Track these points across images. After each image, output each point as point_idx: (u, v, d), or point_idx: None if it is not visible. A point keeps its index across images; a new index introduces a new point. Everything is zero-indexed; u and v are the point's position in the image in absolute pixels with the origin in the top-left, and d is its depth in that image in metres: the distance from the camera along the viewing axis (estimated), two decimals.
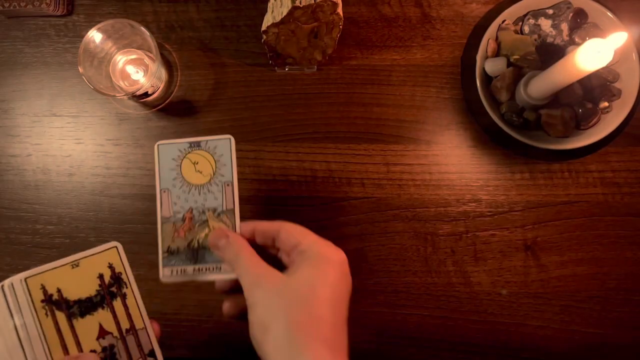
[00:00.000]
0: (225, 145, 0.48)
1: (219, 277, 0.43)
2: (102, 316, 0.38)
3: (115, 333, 0.38)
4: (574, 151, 0.56)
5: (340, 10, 0.50)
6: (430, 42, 0.60)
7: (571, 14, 0.56)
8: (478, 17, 0.60)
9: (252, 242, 0.42)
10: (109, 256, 0.39)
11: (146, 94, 0.58)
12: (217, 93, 0.60)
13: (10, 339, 0.35)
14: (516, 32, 0.57)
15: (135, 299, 0.39)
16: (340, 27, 0.53)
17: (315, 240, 0.39)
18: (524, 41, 0.56)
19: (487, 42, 0.56)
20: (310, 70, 0.60)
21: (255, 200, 0.58)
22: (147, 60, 0.59)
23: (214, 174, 0.48)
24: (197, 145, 0.48)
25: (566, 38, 0.56)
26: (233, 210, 0.46)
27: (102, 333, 0.37)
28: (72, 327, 0.37)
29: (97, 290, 0.38)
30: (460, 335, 0.57)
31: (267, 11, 0.52)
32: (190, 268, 0.46)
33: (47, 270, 0.37)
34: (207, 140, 0.48)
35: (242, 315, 0.41)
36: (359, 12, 0.60)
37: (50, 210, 0.60)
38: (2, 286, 0.35)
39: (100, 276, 0.38)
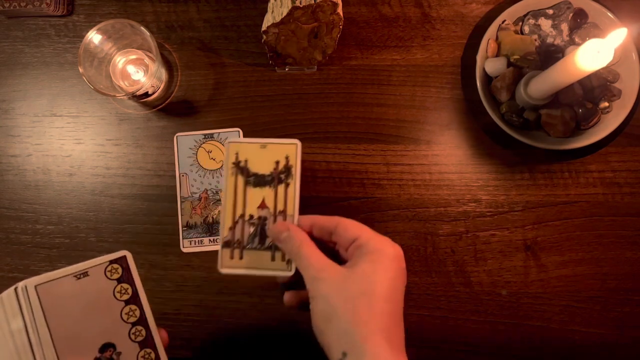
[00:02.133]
0: (234, 136, 0.58)
1: (277, 274, 0.44)
2: (267, 193, 0.45)
3: (271, 209, 0.45)
4: (574, 151, 0.56)
5: (340, 10, 0.50)
6: (430, 42, 0.60)
7: (571, 14, 0.56)
8: (478, 17, 0.60)
9: (310, 236, 0.43)
10: (288, 149, 0.46)
11: (146, 94, 0.58)
12: (217, 93, 0.60)
13: (21, 342, 0.35)
14: (516, 32, 0.57)
15: (295, 191, 0.44)
16: (340, 27, 0.53)
17: (373, 235, 0.40)
18: (524, 41, 0.56)
19: (487, 42, 0.56)
20: (310, 70, 0.60)
21: None
22: (147, 60, 0.59)
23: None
24: (211, 136, 0.58)
25: (566, 38, 0.56)
26: None
27: (263, 205, 0.45)
28: (244, 191, 0.45)
29: (271, 172, 0.45)
30: (460, 335, 0.57)
31: (267, 11, 0.52)
32: (206, 239, 0.55)
33: (244, 143, 0.45)
34: (219, 132, 0.58)
35: (302, 305, 0.44)
36: (359, 12, 0.60)
37: (51, 210, 0.60)
38: (16, 289, 0.35)
39: (277, 162, 0.45)
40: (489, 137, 0.59)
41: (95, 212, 0.60)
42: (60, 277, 0.36)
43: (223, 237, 0.44)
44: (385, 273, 0.38)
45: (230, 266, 0.43)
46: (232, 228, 0.45)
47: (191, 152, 0.59)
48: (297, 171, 0.44)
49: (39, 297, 0.35)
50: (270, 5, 0.52)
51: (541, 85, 0.52)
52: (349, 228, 0.41)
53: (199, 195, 0.59)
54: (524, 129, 0.56)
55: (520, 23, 0.57)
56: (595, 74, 0.52)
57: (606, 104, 0.56)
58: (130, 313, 0.39)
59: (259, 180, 0.45)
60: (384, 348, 0.36)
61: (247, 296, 0.58)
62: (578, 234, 0.58)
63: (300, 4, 0.48)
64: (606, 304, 0.57)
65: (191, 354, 0.58)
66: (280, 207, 0.45)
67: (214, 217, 0.58)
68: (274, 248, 0.44)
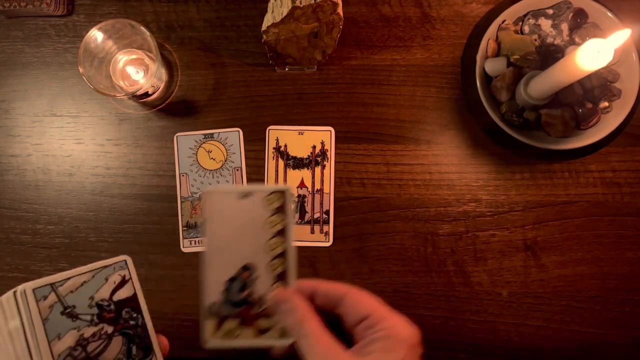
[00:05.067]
0: (234, 136, 0.58)
1: (275, 343, 0.39)
2: (305, 174, 0.51)
3: (309, 188, 0.51)
4: (574, 151, 0.56)
5: (340, 10, 0.50)
6: (430, 42, 0.60)
7: (571, 14, 0.56)
8: (478, 17, 0.60)
9: (312, 303, 0.38)
10: (323, 135, 0.52)
11: (146, 94, 0.58)
12: (217, 93, 0.60)
13: (20, 346, 0.35)
14: (516, 32, 0.57)
15: (330, 171, 0.49)
16: (340, 27, 0.53)
17: (387, 315, 0.35)
18: (524, 41, 0.56)
19: (487, 42, 0.56)
20: (310, 70, 0.60)
21: None
22: (147, 60, 0.59)
23: (225, 160, 0.56)
24: (211, 136, 0.57)
25: (566, 38, 0.56)
26: None
27: (301, 184, 0.51)
28: (285, 172, 0.51)
29: (308, 155, 0.52)
30: (460, 335, 0.57)
31: (267, 11, 0.52)
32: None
33: (285, 130, 0.52)
34: (219, 132, 0.57)
35: None
36: (359, 12, 0.60)
37: (51, 210, 0.60)
38: (15, 292, 0.35)
39: (314, 146, 0.52)
40: (489, 137, 0.59)
41: (95, 212, 0.60)
42: (227, 192, 0.38)
43: None
44: None
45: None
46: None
47: (191, 152, 0.59)
48: (332, 155, 0.47)
49: (55, 292, 0.35)
50: (270, 5, 0.52)
51: (541, 85, 0.52)
52: (359, 302, 0.36)
53: (199, 195, 0.59)
54: (524, 129, 0.56)
55: (520, 23, 0.57)
56: (595, 74, 0.52)
57: (606, 103, 0.56)
58: (276, 245, 0.38)
59: (298, 163, 0.51)
60: None
61: None
62: (578, 234, 0.58)
63: (300, 4, 0.48)
64: (606, 304, 0.57)
65: (191, 354, 0.58)
66: (317, 186, 0.50)
67: None
68: (312, 222, 0.45)
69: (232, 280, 0.38)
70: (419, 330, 0.35)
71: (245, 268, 0.38)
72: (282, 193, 0.38)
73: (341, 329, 0.36)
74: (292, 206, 0.39)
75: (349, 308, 0.36)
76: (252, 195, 0.38)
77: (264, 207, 0.38)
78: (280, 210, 0.38)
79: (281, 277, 0.38)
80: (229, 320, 0.38)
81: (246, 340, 0.38)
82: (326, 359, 0.34)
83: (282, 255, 0.38)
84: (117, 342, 0.38)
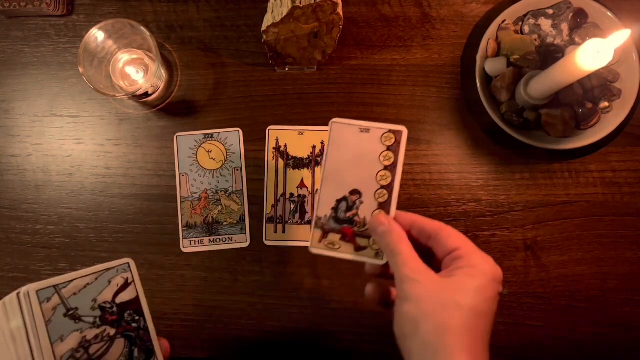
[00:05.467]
0: (234, 136, 0.58)
1: (369, 261, 0.43)
2: (305, 174, 0.51)
3: (310, 189, 0.51)
4: (574, 151, 0.56)
5: (340, 10, 0.50)
6: (430, 42, 0.60)
7: (571, 14, 0.56)
8: (478, 17, 0.60)
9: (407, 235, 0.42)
10: (323, 135, 0.52)
11: (146, 94, 0.58)
12: (217, 93, 0.60)
13: (22, 347, 0.35)
14: (516, 32, 0.57)
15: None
16: (340, 27, 0.53)
17: (475, 251, 0.38)
18: (524, 41, 0.56)
19: (487, 42, 0.56)
20: (310, 70, 0.60)
21: (255, 200, 0.58)
22: (147, 60, 0.59)
23: (225, 160, 0.57)
24: (211, 136, 0.58)
25: (566, 38, 0.56)
26: (242, 190, 0.55)
27: (301, 185, 0.51)
28: (285, 172, 0.51)
29: (308, 156, 0.51)
30: None
31: (267, 11, 0.52)
32: (206, 239, 0.56)
33: (285, 130, 0.52)
34: (219, 132, 0.58)
35: (383, 301, 0.42)
36: (359, 12, 0.60)
37: (51, 210, 0.60)
38: (18, 294, 0.35)
39: (313, 147, 0.51)
40: (489, 137, 0.59)
41: (95, 212, 0.60)
42: (351, 124, 0.43)
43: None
44: (483, 292, 0.37)
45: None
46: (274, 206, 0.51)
47: (191, 152, 0.59)
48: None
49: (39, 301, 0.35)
50: (270, 5, 0.52)
51: (541, 85, 0.52)
52: (451, 237, 0.39)
53: (199, 195, 0.59)
54: (524, 129, 0.56)
55: (520, 23, 0.57)
56: (595, 74, 0.52)
57: (606, 103, 0.56)
58: (384, 177, 0.43)
59: (297, 163, 0.52)
60: None
61: (247, 296, 0.58)
62: (578, 234, 0.58)
63: (300, 4, 0.48)
64: (606, 304, 0.57)
65: (191, 354, 0.58)
66: (317, 185, 0.49)
67: (214, 216, 0.58)
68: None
69: (341, 200, 0.44)
70: (501, 271, 0.38)
71: (354, 192, 0.44)
72: (398, 132, 0.43)
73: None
74: (404, 145, 0.43)
75: (441, 242, 0.39)
76: (371, 130, 0.43)
77: (380, 143, 0.43)
78: (393, 147, 0.43)
79: (383, 206, 0.43)
80: (332, 234, 0.44)
81: (344, 253, 0.43)
82: (415, 275, 0.37)
83: (388, 187, 0.44)
84: (119, 345, 0.38)
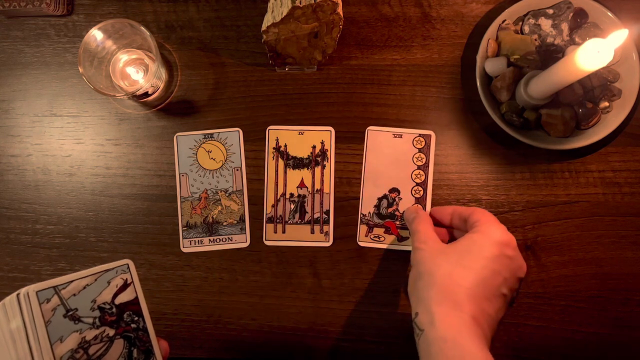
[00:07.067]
0: (234, 136, 0.58)
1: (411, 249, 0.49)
2: (305, 174, 0.52)
3: (309, 188, 0.52)
4: (574, 151, 0.56)
5: (340, 10, 0.51)
6: (431, 42, 0.60)
7: (571, 14, 0.56)
8: (478, 17, 0.60)
9: (450, 224, 0.49)
10: (323, 135, 0.53)
11: (146, 94, 0.59)
12: (217, 93, 0.60)
13: (22, 348, 0.35)
14: (516, 32, 0.57)
15: (330, 171, 0.51)
16: (340, 27, 0.53)
17: (487, 219, 0.44)
18: (524, 41, 0.56)
19: (487, 42, 0.56)
20: (310, 70, 0.60)
21: (255, 200, 0.58)
22: (147, 60, 0.59)
23: (225, 160, 0.57)
24: (211, 136, 0.58)
25: (566, 38, 0.56)
26: (242, 190, 0.56)
27: (302, 184, 0.52)
28: (285, 172, 0.52)
29: (308, 155, 0.52)
30: None
31: (267, 11, 0.52)
32: (206, 239, 0.57)
33: (284, 130, 0.53)
34: (219, 132, 0.58)
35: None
36: (359, 12, 0.60)
37: (50, 210, 0.60)
38: (18, 295, 0.35)
39: (314, 147, 0.52)
40: (489, 137, 0.59)
41: (95, 212, 0.60)
42: (385, 131, 0.50)
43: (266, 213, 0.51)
44: (480, 252, 0.41)
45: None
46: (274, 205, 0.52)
47: (191, 152, 0.59)
48: (332, 155, 0.51)
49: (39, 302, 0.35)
50: (270, 5, 0.52)
51: (541, 85, 0.52)
52: (476, 213, 0.45)
53: (199, 195, 0.59)
54: (524, 128, 0.56)
55: (520, 23, 0.57)
56: (596, 74, 0.52)
57: (606, 103, 0.56)
58: (418, 176, 0.50)
59: (298, 163, 0.53)
60: (452, 318, 0.37)
61: (246, 296, 0.58)
62: (578, 234, 0.58)
63: (300, 4, 0.48)
64: (606, 304, 0.57)
65: (191, 354, 0.58)
66: (317, 186, 0.53)
67: (214, 217, 0.58)
68: (312, 222, 0.53)
69: (382, 198, 0.51)
70: (513, 238, 0.43)
71: (393, 190, 0.50)
72: (428, 136, 0.50)
73: None
74: (434, 146, 0.48)
75: (471, 220, 0.45)
76: (403, 135, 0.50)
77: (412, 146, 0.50)
78: (424, 149, 0.50)
79: (420, 201, 0.50)
80: (376, 228, 0.51)
81: (388, 244, 0.50)
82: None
83: (422, 184, 0.50)
84: (119, 345, 0.39)
